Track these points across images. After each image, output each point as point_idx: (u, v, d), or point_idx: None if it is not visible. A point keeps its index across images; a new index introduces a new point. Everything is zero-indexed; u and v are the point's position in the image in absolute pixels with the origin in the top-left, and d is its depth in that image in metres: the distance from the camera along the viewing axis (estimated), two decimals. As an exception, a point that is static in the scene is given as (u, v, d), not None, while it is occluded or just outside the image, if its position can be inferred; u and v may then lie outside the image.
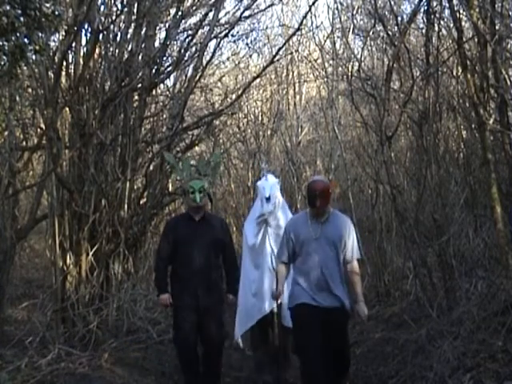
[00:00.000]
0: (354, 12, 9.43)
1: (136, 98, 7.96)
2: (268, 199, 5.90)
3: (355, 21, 9.51)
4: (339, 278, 4.85)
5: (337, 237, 4.85)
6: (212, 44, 8.83)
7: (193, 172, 5.31)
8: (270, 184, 5.99)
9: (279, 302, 5.29)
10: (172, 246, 5.18)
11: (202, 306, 5.09)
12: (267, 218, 5.90)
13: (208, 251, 5.16)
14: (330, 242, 4.83)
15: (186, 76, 8.61)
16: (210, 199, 5.44)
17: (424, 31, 8.02)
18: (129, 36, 7.67)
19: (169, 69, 8.43)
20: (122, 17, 7.62)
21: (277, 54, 9.12)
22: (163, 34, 8.23)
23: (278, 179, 6.32)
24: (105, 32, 7.31)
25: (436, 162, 7.34)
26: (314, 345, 4.66)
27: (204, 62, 8.42)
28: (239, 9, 9.06)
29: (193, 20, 9.02)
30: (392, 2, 8.02)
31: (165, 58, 8.33)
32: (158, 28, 8.22)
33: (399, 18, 8.04)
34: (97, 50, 7.36)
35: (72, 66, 7.35)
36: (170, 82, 9.32)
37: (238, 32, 10.23)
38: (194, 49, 8.48)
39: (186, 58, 8.36)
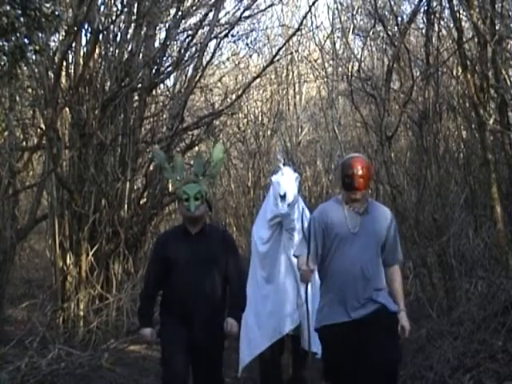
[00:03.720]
0: (354, 12, 9.44)
1: (136, 98, 7.96)
2: (283, 197, 4.98)
3: (355, 21, 9.53)
4: (382, 283, 3.94)
5: (379, 232, 3.92)
6: (212, 44, 8.84)
7: (186, 173, 4.38)
8: (286, 179, 5.11)
9: (309, 283, 4.09)
10: (163, 268, 4.11)
11: (199, 342, 4.01)
12: (282, 220, 5.05)
13: (208, 272, 4.07)
14: (372, 239, 3.89)
15: (185, 76, 8.61)
16: (210, 207, 4.34)
17: (424, 31, 8.02)
18: (129, 36, 7.68)
19: (169, 69, 8.43)
20: (122, 17, 7.63)
21: (277, 54, 9.12)
22: (163, 34, 8.25)
23: (297, 176, 5.34)
24: (105, 32, 7.32)
25: (436, 161, 7.34)
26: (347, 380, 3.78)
27: (204, 62, 8.42)
28: (239, 9, 9.06)
29: (193, 20, 9.03)
30: (392, 2, 8.02)
31: (165, 58, 8.34)
32: (158, 28, 8.23)
33: (399, 18, 8.05)
34: (97, 50, 7.37)
35: (72, 66, 7.37)
36: (169, 82, 9.33)
37: (237, 32, 10.22)
38: (194, 49, 8.49)
39: (186, 58, 8.37)
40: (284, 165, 5.45)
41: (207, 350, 4.03)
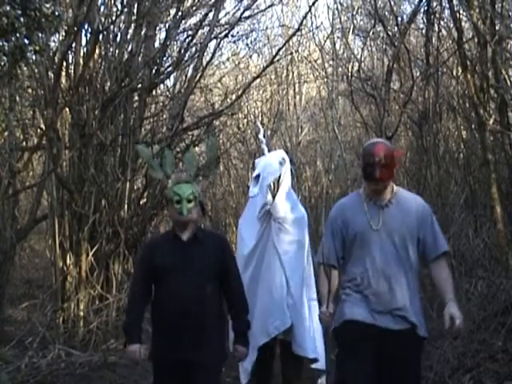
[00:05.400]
0: (354, 12, 9.45)
1: (136, 98, 7.96)
2: (256, 178, 4.43)
3: (355, 21, 9.53)
4: (410, 289, 3.39)
5: (406, 225, 3.37)
6: (212, 44, 8.82)
7: (177, 171, 3.90)
8: (265, 161, 4.52)
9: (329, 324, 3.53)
10: (150, 279, 3.65)
11: (193, 362, 3.53)
12: (270, 208, 4.44)
13: (201, 283, 3.58)
14: (397, 234, 3.35)
15: (185, 76, 8.60)
16: (203, 210, 3.85)
17: (424, 31, 8.04)
18: (129, 36, 7.67)
19: (169, 69, 8.43)
20: (122, 17, 7.63)
21: (277, 54, 9.11)
22: (163, 35, 8.24)
23: (281, 158, 4.62)
24: (105, 32, 7.32)
25: (436, 162, 7.36)
26: (363, 380, 3.28)
27: (204, 63, 8.41)
28: (239, 9, 9.05)
29: (193, 20, 9.02)
30: (392, 2, 8.04)
31: (165, 59, 8.33)
32: (157, 28, 8.22)
33: (399, 18, 8.07)
34: (97, 51, 7.37)
35: (72, 66, 7.37)
36: (170, 83, 9.33)
37: (237, 32, 10.22)
38: (194, 49, 8.48)
39: (186, 59, 8.36)
40: (265, 145, 4.83)
41: (203, 367, 3.53)
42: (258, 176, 4.49)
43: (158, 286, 3.65)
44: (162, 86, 9.05)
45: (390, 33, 7.90)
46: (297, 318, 4.41)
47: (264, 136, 4.98)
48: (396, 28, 7.92)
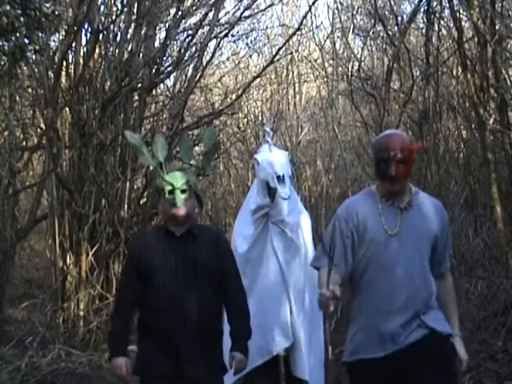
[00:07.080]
0: (354, 12, 9.45)
1: (136, 97, 7.96)
2: (281, 178, 3.99)
3: (355, 21, 9.53)
4: (433, 297, 2.94)
5: (427, 231, 2.90)
6: (212, 44, 8.83)
7: (171, 158, 3.52)
8: (278, 157, 4.11)
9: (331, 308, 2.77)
10: (139, 280, 3.17)
11: (189, 377, 3.09)
12: (270, 210, 4.07)
13: (197, 285, 3.13)
14: (418, 241, 2.87)
15: (185, 76, 8.61)
16: (200, 201, 3.35)
17: (424, 31, 8.05)
18: (129, 36, 7.68)
19: (169, 69, 8.44)
20: (122, 17, 7.63)
21: (277, 53, 9.11)
22: (163, 34, 8.24)
23: (287, 152, 4.40)
24: (105, 32, 7.33)
25: (436, 161, 7.36)
26: None
27: (204, 62, 8.41)
28: (239, 9, 9.06)
29: (193, 20, 9.03)
30: (392, 2, 8.05)
31: (165, 58, 8.34)
32: (157, 28, 8.23)
33: (399, 18, 8.08)
34: (97, 50, 7.38)
35: (72, 66, 7.38)
36: (169, 82, 9.33)
37: (238, 32, 10.23)
38: (193, 49, 8.49)
39: (186, 58, 8.37)
40: (270, 137, 4.42)
41: (200, 382, 3.11)
42: (282, 176, 4.04)
43: (148, 289, 3.15)
44: (161, 85, 9.08)
45: (389, 32, 7.91)
46: (298, 335, 4.07)
47: (268, 129, 4.60)
48: (396, 28, 7.93)
